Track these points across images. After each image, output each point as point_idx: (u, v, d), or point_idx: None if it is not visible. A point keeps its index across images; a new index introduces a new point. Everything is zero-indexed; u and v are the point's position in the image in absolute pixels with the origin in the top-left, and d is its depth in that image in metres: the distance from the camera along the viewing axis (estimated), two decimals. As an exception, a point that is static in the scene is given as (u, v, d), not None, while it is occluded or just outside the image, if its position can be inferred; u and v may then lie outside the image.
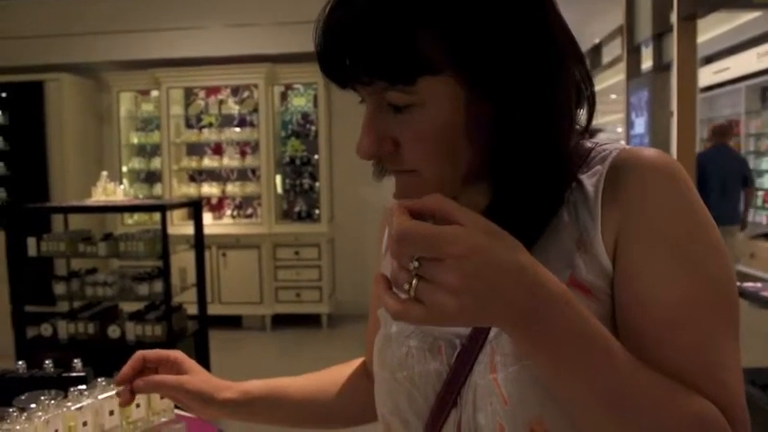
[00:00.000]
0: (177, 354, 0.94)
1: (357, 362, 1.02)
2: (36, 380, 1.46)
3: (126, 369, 0.91)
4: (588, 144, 0.75)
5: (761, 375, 3.39)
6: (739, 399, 0.63)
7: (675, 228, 0.66)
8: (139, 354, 0.92)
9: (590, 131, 0.76)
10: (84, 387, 1.36)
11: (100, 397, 1.34)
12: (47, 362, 1.51)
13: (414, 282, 0.53)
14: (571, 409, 0.61)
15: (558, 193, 0.70)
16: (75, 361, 1.51)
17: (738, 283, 3.61)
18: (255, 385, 0.95)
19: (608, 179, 0.69)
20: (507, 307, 0.54)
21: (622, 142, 0.74)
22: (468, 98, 0.66)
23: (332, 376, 1.01)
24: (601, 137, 0.77)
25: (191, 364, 0.94)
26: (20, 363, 1.52)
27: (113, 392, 1.36)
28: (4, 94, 6.81)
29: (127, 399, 0.91)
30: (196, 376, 0.92)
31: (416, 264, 0.53)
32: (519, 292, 0.53)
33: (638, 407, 0.59)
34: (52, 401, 1.27)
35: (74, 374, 1.48)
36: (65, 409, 1.27)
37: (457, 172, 0.69)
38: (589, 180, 0.70)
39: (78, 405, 1.30)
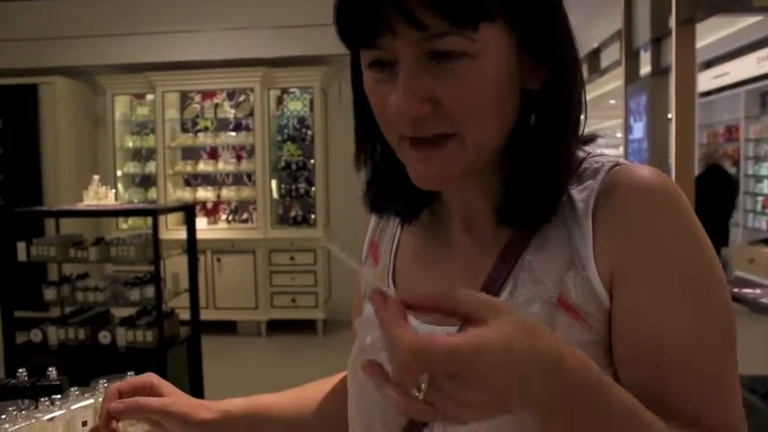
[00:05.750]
0: (153, 377, 0.87)
1: (339, 376, 0.97)
2: (8, 389, 1.40)
3: (103, 411, 0.81)
4: (580, 153, 0.70)
5: (761, 383, 3.33)
6: (743, 419, 0.64)
7: (680, 260, 0.63)
8: (113, 389, 0.84)
9: (583, 138, 0.71)
10: (58, 396, 1.31)
11: (72, 407, 1.29)
12: (20, 370, 1.46)
13: (424, 386, 0.47)
14: None
15: (556, 196, 0.66)
16: (50, 369, 1.46)
17: (737, 290, 3.58)
18: (235, 404, 0.89)
19: (600, 197, 0.65)
20: (527, 405, 0.50)
21: (609, 154, 0.71)
22: (515, 51, 0.64)
23: (314, 393, 0.96)
24: (596, 144, 0.73)
25: (168, 386, 0.87)
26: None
27: (87, 402, 1.30)
28: (-3, 98, 6.78)
29: None
30: (177, 398, 0.86)
31: (426, 377, 0.47)
32: (543, 393, 0.49)
33: None
34: (22, 412, 1.21)
35: (47, 383, 1.42)
36: (34, 420, 1.22)
37: (498, 138, 0.66)
38: (579, 195, 0.66)
39: (49, 416, 1.25)
